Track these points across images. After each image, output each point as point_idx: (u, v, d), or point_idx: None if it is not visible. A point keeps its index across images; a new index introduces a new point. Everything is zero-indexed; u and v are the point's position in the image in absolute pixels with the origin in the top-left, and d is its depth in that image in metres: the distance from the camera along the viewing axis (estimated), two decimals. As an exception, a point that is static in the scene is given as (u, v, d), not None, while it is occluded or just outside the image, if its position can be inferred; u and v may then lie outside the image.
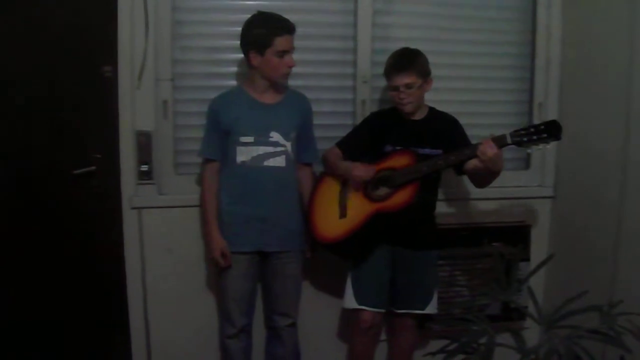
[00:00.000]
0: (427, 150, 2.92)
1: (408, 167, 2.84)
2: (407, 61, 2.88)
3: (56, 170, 3.09)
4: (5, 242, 3.06)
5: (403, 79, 2.86)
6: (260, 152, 2.89)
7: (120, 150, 3.14)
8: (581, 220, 3.31)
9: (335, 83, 3.40)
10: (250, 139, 2.88)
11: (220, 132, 2.92)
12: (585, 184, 3.29)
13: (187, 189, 3.22)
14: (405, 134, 2.96)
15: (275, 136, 2.90)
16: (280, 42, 2.80)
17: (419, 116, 2.99)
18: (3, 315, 3.08)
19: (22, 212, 3.08)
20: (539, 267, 2.65)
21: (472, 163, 2.82)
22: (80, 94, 3.07)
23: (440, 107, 3.07)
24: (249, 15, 2.88)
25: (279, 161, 2.91)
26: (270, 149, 2.90)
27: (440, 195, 3.17)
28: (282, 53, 2.82)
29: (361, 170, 2.89)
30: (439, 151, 2.90)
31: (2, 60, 2.97)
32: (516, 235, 3.49)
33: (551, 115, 3.44)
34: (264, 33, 2.80)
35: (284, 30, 2.82)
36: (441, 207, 3.28)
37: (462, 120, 3.07)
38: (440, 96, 3.12)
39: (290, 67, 2.88)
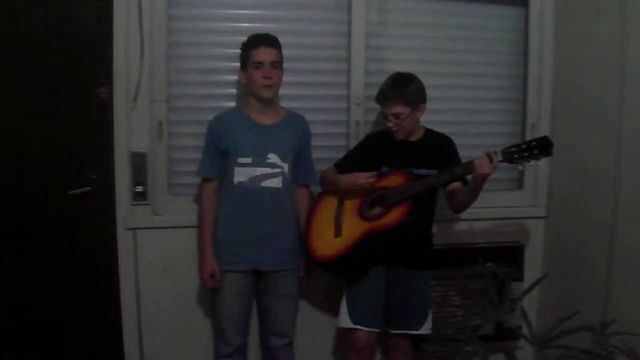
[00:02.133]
0: (422, 171, 2.94)
1: (402, 186, 2.86)
2: (396, 91, 2.89)
3: (51, 190, 3.09)
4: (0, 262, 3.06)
5: (391, 109, 2.89)
6: (258, 173, 2.90)
7: (115, 171, 3.15)
8: (574, 240, 3.32)
9: (329, 105, 3.42)
10: (248, 160, 2.90)
11: (219, 152, 2.94)
12: (578, 204, 3.30)
13: (182, 210, 3.23)
14: (400, 155, 2.99)
15: (272, 157, 2.92)
16: (255, 54, 2.86)
17: (414, 137, 3.02)
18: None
19: (17, 233, 3.07)
20: (532, 287, 2.66)
21: (454, 185, 2.86)
22: (76, 115, 3.08)
23: (433, 128, 3.09)
24: (243, 38, 2.93)
25: (276, 182, 2.93)
26: (267, 170, 2.92)
27: (434, 216, 3.17)
28: (258, 64, 2.86)
29: (364, 178, 2.90)
30: (434, 171, 2.92)
31: (-2, 81, 2.99)
32: (509, 255, 3.50)
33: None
34: (243, 49, 2.91)
35: (259, 42, 2.87)
36: (435, 228, 3.29)
37: (456, 141, 3.10)
38: (433, 117, 3.13)
39: (265, 77, 2.88)
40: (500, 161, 2.70)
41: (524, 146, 2.71)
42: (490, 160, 2.67)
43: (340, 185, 3.00)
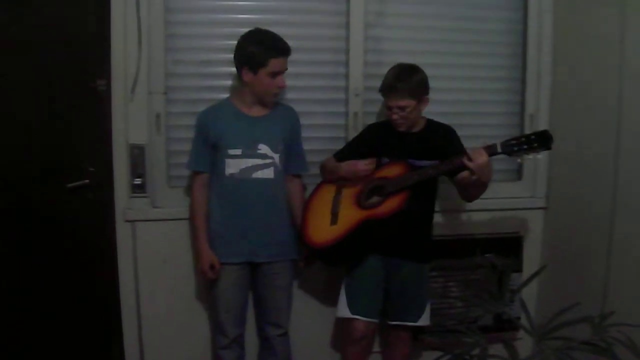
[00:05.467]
0: (423, 163, 2.93)
1: (400, 176, 2.86)
2: (402, 84, 2.86)
3: (50, 183, 3.09)
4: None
5: (396, 102, 2.87)
6: (249, 165, 2.91)
7: (113, 163, 3.14)
8: (573, 232, 3.32)
9: (327, 96, 3.40)
10: (238, 152, 2.90)
11: (209, 145, 2.94)
12: (577, 195, 3.30)
13: (180, 201, 3.23)
14: (402, 147, 2.98)
15: (263, 148, 2.93)
16: (274, 64, 2.82)
17: (416, 129, 3.01)
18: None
19: (16, 226, 3.08)
20: (531, 278, 2.66)
21: (463, 174, 2.85)
22: (74, 108, 3.07)
23: (432, 119, 3.08)
24: (241, 29, 2.90)
25: (268, 173, 2.93)
26: (258, 161, 2.92)
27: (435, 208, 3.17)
28: (275, 74, 2.85)
29: (364, 165, 2.94)
30: (436, 163, 2.91)
31: (-3, 74, 2.98)
32: (508, 246, 3.50)
33: (542, 126, 3.45)
34: (259, 52, 2.81)
35: (280, 53, 2.84)
36: (434, 219, 3.29)
37: (454, 132, 3.09)
38: (432, 108, 3.10)
39: (281, 87, 2.91)
40: (499, 153, 2.70)
41: (523, 139, 2.70)
42: (485, 150, 2.68)
43: (339, 172, 3.01)
